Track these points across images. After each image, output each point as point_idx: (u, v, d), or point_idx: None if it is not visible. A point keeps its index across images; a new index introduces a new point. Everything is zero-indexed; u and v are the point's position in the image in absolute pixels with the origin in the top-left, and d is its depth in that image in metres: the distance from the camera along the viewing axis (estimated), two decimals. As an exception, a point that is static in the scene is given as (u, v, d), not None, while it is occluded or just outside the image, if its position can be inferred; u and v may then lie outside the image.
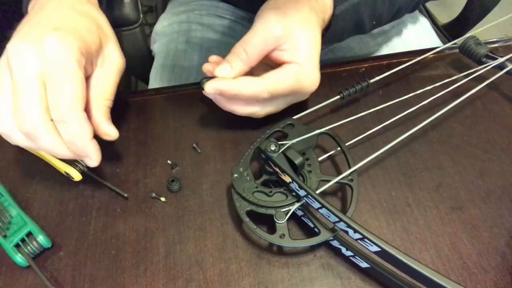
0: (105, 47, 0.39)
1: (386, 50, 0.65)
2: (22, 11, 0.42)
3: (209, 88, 0.39)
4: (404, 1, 0.50)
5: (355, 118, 0.43)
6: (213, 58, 0.44)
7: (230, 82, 0.39)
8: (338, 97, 0.45)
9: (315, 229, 0.37)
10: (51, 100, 0.33)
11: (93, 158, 0.37)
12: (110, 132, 0.39)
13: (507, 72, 0.47)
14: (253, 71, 0.42)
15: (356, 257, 0.36)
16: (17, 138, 0.35)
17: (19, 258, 0.38)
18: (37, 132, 0.34)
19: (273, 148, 0.37)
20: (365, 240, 0.32)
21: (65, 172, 0.43)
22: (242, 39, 0.40)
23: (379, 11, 0.47)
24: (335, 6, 0.43)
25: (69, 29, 0.35)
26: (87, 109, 0.37)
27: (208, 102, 0.50)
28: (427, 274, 0.30)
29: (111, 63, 0.39)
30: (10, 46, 0.34)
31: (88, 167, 0.44)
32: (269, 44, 0.40)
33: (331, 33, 0.45)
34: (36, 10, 0.38)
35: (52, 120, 0.34)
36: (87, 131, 0.35)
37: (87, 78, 0.38)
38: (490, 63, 0.48)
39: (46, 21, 0.35)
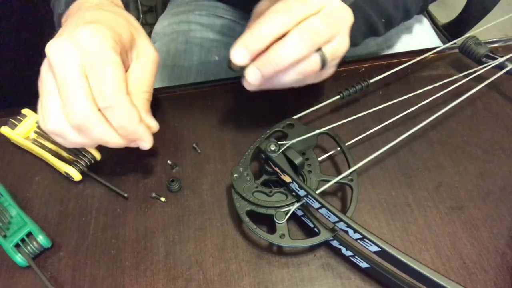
0: (138, 40, 0.39)
1: (386, 50, 0.65)
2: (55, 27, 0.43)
3: (236, 53, 0.36)
4: (410, 1, 0.49)
5: (355, 118, 0.43)
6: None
7: (247, 32, 0.36)
8: (338, 97, 0.45)
9: (315, 229, 0.37)
10: (95, 89, 0.34)
11: (146, 139, 0.38)
12: (151, 124, 0.39)
13: (507, 72, 0.47)
14: None
15: (356, 257, 0.36)
16: (69, 135, 0.35)
17: (19, 258, 0.38)
18: (88, 123, 0.34)
19: (273, 148, 0.37)
20: (365, 240, 0.32)
21: (65, 172, 0.43)
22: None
23: (385, 7, 0.46)
24: None
25: (100, 22, 0.36)
26: None
27: (208, 102, 0.50)
28: (427, 274, 0.30)
29: (146, 56, 0.40)
30: (48, 47, 0.34)
31: (88, 167, 0.44)
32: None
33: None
34: (71, 17, 0.39)
35: (99, 110, 0.34)
36: (134, 114, 0.36)
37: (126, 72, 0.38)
38: (490, 63, 0.48)
39: (78, 20, 0.36)
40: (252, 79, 0.36)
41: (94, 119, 0.34)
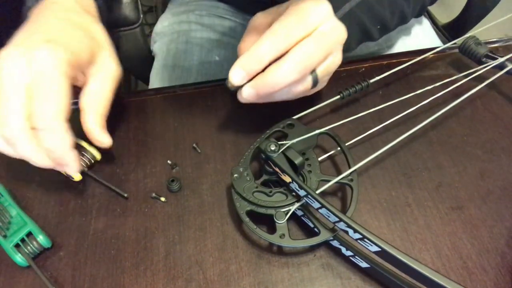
0: (99, 56, 0.40)
1: (386, 50, 0.65)
2: (22, 16, 0.43)
3: (234, 74, 0.37)
4: (406, 5, 0.49)
5: (355, 118, 0.43)
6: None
7: (245, 53, 0.37)
8: (338, 97, 0.45)
9: (315, 229, 0.37)
10: (35, 109, 0.35)
11: (72, 166, 0.38)
12: (104, 140, 0.40)
13: (507, 72, 0.47)
14: None
15: (356, 257, 0.36)
16: None
17: (19, 258, 0.38)
18: (16, 139, 0.35)
19: (273, 148, 0.37)
20: (365, 240, 0.32)
21: (65, 172, 0.43)
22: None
23: (380, 14, 0.46)
24: None
25: (60, 41, 0.36)
26: (81, 117, 0.39)
27: (208, 102, 0.50)
28: (427, 274, 0.30)
29: (106, 72, 0.40)
30: (3, 52, 0.35)
31: (88, 167, 0.44)
32: (257, 24, 0.41)
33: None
34: (33, 18, 0.39)
35: (32, 129, 0.35)
36: (67, 141, 0.36)
37: (80, 87, 0.39)
38: (490, 63, 0.48)
39: (40, 31, 0.37)
40: (247, 97, 0.38)
41: (22, 137, 0.34)
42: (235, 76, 0.37)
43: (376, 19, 0.46)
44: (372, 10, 0.45)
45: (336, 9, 0.42)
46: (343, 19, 0.43)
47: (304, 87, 0.39)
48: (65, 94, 0.35)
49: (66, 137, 0.36)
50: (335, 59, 0.40)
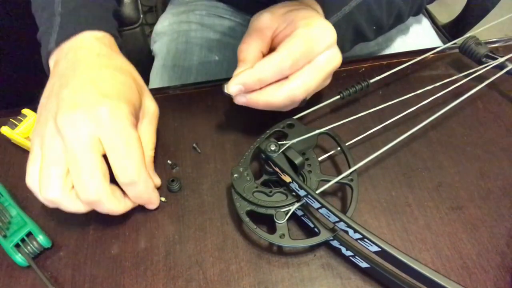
0: (143, 99, 0.40)
1: (386, 50, 0.65)
2: (42, 63, 0.42)
3: (232, 86, 0.38)
4: (403, 4, 0.49)
5: (355, 118, 0.43)
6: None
7: (248, 71, 0.38)
8: (338, 97, 0.45)
9: (315, 229, 0.37)
10: (117, 166, 0.35)
11: (156, 203, 0.41)
12: (156, 181, 0.42)
13: (507, 72, 0.47)
14: None
15: (356, 257, 0.36)
16: (66, 205, 0.36)
17: (19, 258, 0.38)
18: (101, 200, 0.35)
19: (273, 148, 0.37)
20: (365, 240, 0.32)
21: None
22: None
23: (377, 16, 0.46)
24: (327, 19, 0.42)
25: (116, 94, 0.36)
26: None
27: (208, 102, 0.50)
28: (427, 274, 0.30)
29: (150, 114, 0.42)
30: (61, 118, 0.34)
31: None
32: (263, 31, 0.40)
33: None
34: (69, 71, 0.37)
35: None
36: (151, 186, 0.38)
37: None
38: (490, 63, 0.48)
39: (89, 87, 0.36)
40: (238, 102, 0.40)
41: (107, 197, 0.35)
42: (233, 88, 0.38)
43: (372, 20, 0.46)
44: (370, 12, 0.45)
45: (332, 12, 0.42)
46: (340, 21, 0.43)
47: (292, 107, 0.41)
48: (140, 145, 0.36)
49: (151, 183, 0.38)
50: (326, 82, 0.43)
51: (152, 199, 0.40)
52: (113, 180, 0.36)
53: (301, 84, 0.38)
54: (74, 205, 0.36)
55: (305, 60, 0.38)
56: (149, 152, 0.41)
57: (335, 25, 0.42)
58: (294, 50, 0.37)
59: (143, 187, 0.37)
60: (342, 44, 0.44)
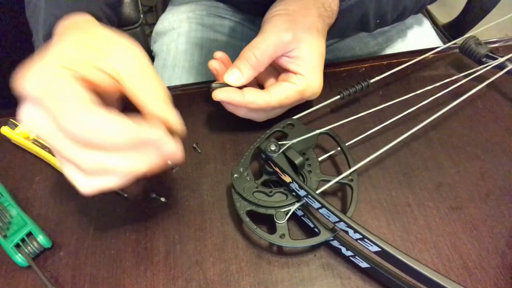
0: (100, 49, 0.32)
1: (386, 50, 0.65)
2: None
3: (219, 96, 0.41)
4: (409, 2, 0.50)
5: (355, 118, 0.43)
6: (218, 54, 0.45)
7: (239, 96, 0.40)
8: (338, 97, 0.45)
9: (315, 229, 0.37)
10: (65, 129, 0.29)
11: (177, 151, 0.31)
12: (173, 121, 0.32)
13: (507, 72, 0.47)
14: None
15: (356, 257, 0.36)
16: (110, 181, 0.30)
17: (19, 258, 0.38)
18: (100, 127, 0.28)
19: (273, 148, 0.37)
20: (365, 240, 0.32)
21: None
22: (251, 43, 0.41)
23: (384, 9, 0.47)
24: (341, 1, 0.43)
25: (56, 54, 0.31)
26: (143, 108, 0.31)
27: (208, 103, 0.50)
28: (427, 274, 0.30)
29: (122, 53, 0.31)
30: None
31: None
32: (278, 50, 0.41)
33: (336, 29, 0.45)
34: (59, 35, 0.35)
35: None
36: (115, 120, 0.28)
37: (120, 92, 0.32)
38: (490, 63, 0.48)
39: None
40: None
41: (96, 157, 0.29)
42: (219, 96, 0.41)
43: (379, 12, 0.47)
44: (379, 3, 0.46)
45: None
46: (352, 6, 0.43)
47: (258, 116, 0.45)
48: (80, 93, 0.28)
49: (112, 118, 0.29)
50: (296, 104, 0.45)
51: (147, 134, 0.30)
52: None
53: (282, 110, 0.45)
54: (112, 179, 0.30)
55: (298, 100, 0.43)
56: (159, 91, 0.32)
57: (347, 9, 0.43)
58: (287, 102, 0.42)
59: (95, 124, 0.28)
60: (344, 31, 0.46)
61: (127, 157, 0.29)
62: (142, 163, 0.30)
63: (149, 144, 0.30)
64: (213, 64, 0.44)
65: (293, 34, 0.40)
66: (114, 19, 0.46)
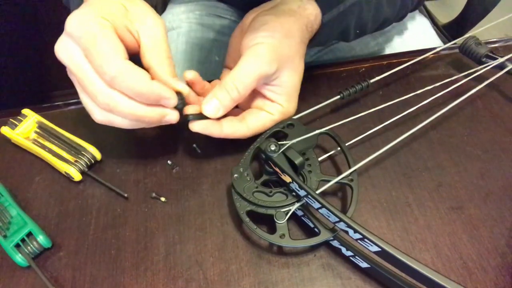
0: (135, 10, 0.38)
1: (386, 50, 0.65)
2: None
3: (196, 128, 0.39)
4: (390, 13, 0.50)
5: (355, 118, 0.43)
6: (189, 75, 0.41)
7: (217, 129, 0.40)
8: (338, 97, 0.45)
9: (315, 229, 0.37)
10: (96, 68, 0.34)
11: (167, 95, 0.36)
12: (181, 88, 0.38)
13: (507, 72, 0.47)
14: None
15: (356, 257, 0.36)
16: (117, 121, 0.37)
17: (19, 258, 0.38)
18: (110, 101, 0.35)
19: (273, 148, 0.37)
20: (365, 240, 0.32)
21: (65, 172, 0.43)
22: (233, 74, 0.38)
23: (364, 20, 0.47)
24: (323, 14, 0.42)
25: (86, 5, 0.36)
26: (152, 75, 0.37)
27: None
28: (427, 274, 0.30)
29: (152, 23, 0.38)
30: (55, 49, 0.36)
31: (88, 167, 0.44)
32: (260, 82, 0.40)
33: (315, 41, 0.44)
34: None
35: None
36: (140, 75, 0.35)
37: (135, 51, 0.38)
38: (490, 63, 0.48)
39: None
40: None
41: (112, 96, 0.35)
42: (196, 127, 0.40)
43: (359, 23, 0.47)
44: (360, 14, 0.45)
45: (329, 9, 0.42)
46: (334, 18, 0.43)
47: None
48: (109, 38, 0.35)
49: (138, 73, 0.35)
50: None
51: (156, 90, 0.36)
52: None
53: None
54: (118, 119, 0.37)
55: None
56: (165, 61, 0.38)
57: (328, 23, 0.42)
58: (263, 130, 0.42)
59: (128, 78, 0.35)
60: (325, 41, 0.45)
61: (136, 106, 0.36)
62: (146, 115, 0.36)
63: (159, 100, 0.36)
64: (190, 96, 0.41)
65: (277, 66, 0.39)
66: None
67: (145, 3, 0.39)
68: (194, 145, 0.46)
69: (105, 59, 0.34)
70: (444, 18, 0.82)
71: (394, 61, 0.53)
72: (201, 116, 0.39)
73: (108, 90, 0.35)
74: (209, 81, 0.53)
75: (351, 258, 0.37)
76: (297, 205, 0.37)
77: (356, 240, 0.34)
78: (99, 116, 0.37)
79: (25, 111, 0.46)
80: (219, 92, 0.38)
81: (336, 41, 0.49)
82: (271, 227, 0.37)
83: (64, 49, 0.35)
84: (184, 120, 0.39)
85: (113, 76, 0.34)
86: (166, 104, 0.37)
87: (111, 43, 0.34)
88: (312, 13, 0.41)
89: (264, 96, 0.42)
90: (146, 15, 0.38)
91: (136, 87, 0.35)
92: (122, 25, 0.36)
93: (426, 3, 0.82)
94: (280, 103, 0.42)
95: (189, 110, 0.39)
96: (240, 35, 0.43)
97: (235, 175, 0.39)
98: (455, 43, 0.53)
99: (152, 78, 0.36)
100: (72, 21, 0.35)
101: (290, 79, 0.41)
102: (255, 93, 0.42)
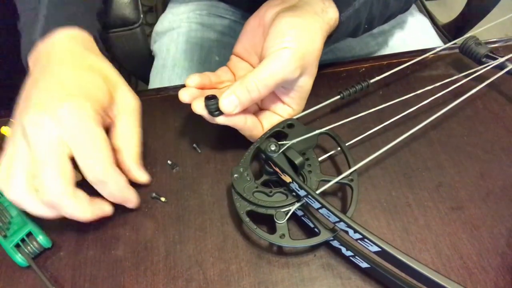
0: (116, 95, 0.40)
1: (386, 50, 0.65)
2: (21, 59, 0.42)
3: (222, 120, 0.39)
4: (396, 7, 0.50)
5: (355, 118, 0.43)
6: (192, 82, 0.42)
7: (241, 123, 0.40)
8: (338, 97, 0.45)
9: (315, 229, 0.37)
10: (84, 165, 0.35)
11: (133, 201, 0.40)
12: (141, 177, 0.41)
13: (507, 72, 0.47)
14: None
15: (356, 257, 0.36)
16: (31, 206, 0.35)
17: (19, 258, 0.38)
18: (62, 202, 0.34)
19: (273, 148, 0.37)
20: (365, 240, 0.32)
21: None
22: (256, 73, 0.37)
23: (373, 15, 0.47)
24: (340, 13, 0.42)
25: (80, 93, 0.36)
26: (118, 157, 0.39)
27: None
28: (427, 274, 0.30)
29: (128, 108, 0.40)
30: (26, 118, 0.34)
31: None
32: (280, 85, 0.40)
33: (330, 41, 0.44)
34: (40, 72, 0.38)
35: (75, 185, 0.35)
36: (123, 183, 0.37)
37: (110, 129, 0.39)
38: (490, 63, 0.48)
39: (55, 87, 0.36)
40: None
41: (67, 199, 0.34)
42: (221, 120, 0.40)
43: (369, 19, 0.47)
44: (371, 10, 0.45)
45: (345, 7, 0.42)
46: (350, 15, 0.43)
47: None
48: (105, 142, 0.36)
49: (122, 181, 0.37)
50: None
51: (127, 197, 0.39)
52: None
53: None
54: (38, 208, 0.35)
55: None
56: (135, 148, 0.40)
57: (346, 21, 0.42)
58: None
59: (113, 185, 0.36)
60: (338, 40, 0.45)
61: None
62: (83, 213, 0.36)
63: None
64: (184, 97, 0.41)
65: (300, 72, 0.39)
66: (102, 34, 0.46)
67: (123, 82, 0.41)
68: (194, 145, 0.46)
69: (100, 164, 0.35)
70: (444, 18, 0.82)
71: (394, 61, 0.53)
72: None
73: (66, 193, 0.34)
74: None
75: (351, 258, 0.37)
76: (297, 205, 0.37)
77: (356, 240, 0.34)
78: (16, 195, 0.35)
79: (25, 111, 0.46)
80: (239, 90, 0.37)
81: (346, 38, 0.49)
82: (271, 227, 0.37)
83: (42, 129, 0.34)
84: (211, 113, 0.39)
85: (101, 179, 0.35)
86: (127, 205, 0.40)
87: (107, 150, 0.36)
88: (332, 18, 0.41)
89: (276, 97, 0.42)
90: (124, 98, 0.40)
91: (115, 193, 0.37)
92: (106, 113, 0.38)
93: (426, 3, 0.82)
94: (291, 106, 0.42)
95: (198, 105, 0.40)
96: (258, 27, 0.42)
97: (235, 175, 0.39)
98: (455, 43, 0.53)
99: (117, 159, 0.39)
100: (67, 111, 0.34)
101: (306, 84, 0.41)
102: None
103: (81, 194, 0.36)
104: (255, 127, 0.41)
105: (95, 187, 0.36)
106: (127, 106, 0.40)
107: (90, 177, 0.35)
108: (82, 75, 0.38)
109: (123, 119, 0.40)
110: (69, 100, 0.35)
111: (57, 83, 0.36)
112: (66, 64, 0.38)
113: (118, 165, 0.39)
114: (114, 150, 0.38)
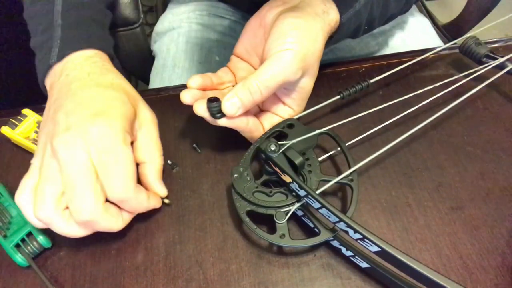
0: (138, 110, 0.40)
1: (386, 50, 0.65)
2: (39, 83, 0.43)
3: (224, 122, 0.40)
4: (396, 8, 0.50)
5: (355, 118, 0.43)
6: (194, 84, 0.42)
7: (243, 125, 0.40)
8: (338, 97, 0.45)
9: (315, 229, 0.37)
10: (105, 184, 0.35)
11: (153, 208, 0.40)
12: (161, 192, 0.41)
13: (507, 72, 0.47)
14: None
15: (356, 257, 0.36)
16: (60, 225, 0.35)
17: (19, 258, 0.38)
18: (95, 219, 0.35)
19: (273, 148, 0.37)
20: (365, 240, 0.32)
21: None
22: (258, 75, 0.37)
23: (374, 16, 0.47)
24: (341, 15, 0.42)
25: (109, 111, 0.36)
26: (141, 170, 0.40)
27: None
28: (427, 274, 0.30)
29: (148, 122, 0.41)
30: (56, 140, 0.34)
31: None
32: (282, 87, 0.39)
33: (330, 42, 0.44)
34: (62, 93, 0.38)
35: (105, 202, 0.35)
36: (143, 199, 0.38)
37: (132, 143, 0.39)
38: (490, 63, 0.48)
39: (82, 107, 0.36)
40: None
41: (100, 216, 0.35)
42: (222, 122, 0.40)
43: (368, 20, 0.47)
44: (371, 11, 0.45)
45: (346, 9, 0.42)
46: (351, 17, 0.43)
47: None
48: (131, 162, 0.36)
49: (143, 198, 0.38)
50: None
51: (147, 209, 0.39)
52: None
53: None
54: (67, 227, 0.35)
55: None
56: (157, 159, 0.40)
57: (346, 22, 0.42)
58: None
59: (134, 202, 0.37)
60: (338, 41, 0.45)
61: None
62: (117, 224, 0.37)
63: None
64: (186, 98, 0.41)
65: (302, 74, 0.39)
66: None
67: (141, 98, 0.42)
68: (194, 145, 0.46)
69: (121, 184, 0.35)
70: (444, 18, 0.82)
71: (394, 61, 0.53)
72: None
73: (97, 210, 0.34)
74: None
75: (351, 258, 0.37)
76: (297, 205, 0.37)
77: (356, 240, 0.34)
78: (46, 213, 0.34)
79: (25, 111, 0.46)
80: (242, 92, 0.37)
81: (350, 37, 0.49)
82: (271, 227, 0.37)
83: (72, 149, 0.34)
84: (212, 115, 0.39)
85: (122, 199, 0.36)
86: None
87: (130, 170, 0.36)
88: (333, 19, 0.41)
89: (277, 98, 0.42)
90: (145, 114, 0.41)
91: (137, 209, 0.38)
92: (131, 134, 0.38)
93: (426, 3, 0.82)
94: (292, 107, 0.42)
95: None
96: (259, 28, 0.42)
97: (235, 175, 0.39)
98: (455, 43, 0.53)
99: (140, 174, 0.40)
100: (96, 130, 0.34)
101: (307, 85, 0.41)
102: None
103: (112, 208, 0.36)
104: (256, 128, 0.41)
105: (115, 202, 0.36)
106: (148, 120, 0.41)
107: (111, 196, 0.35)
108: (106, 93, 0.38)
109: (144, 132, 0.40)
110: (98, 120, 0.35)
111: (82, 103, 0.36)
112: (87, 84, 0.38)
113: (140, 176, 0.40)
114: (136, 163, 0.39)
